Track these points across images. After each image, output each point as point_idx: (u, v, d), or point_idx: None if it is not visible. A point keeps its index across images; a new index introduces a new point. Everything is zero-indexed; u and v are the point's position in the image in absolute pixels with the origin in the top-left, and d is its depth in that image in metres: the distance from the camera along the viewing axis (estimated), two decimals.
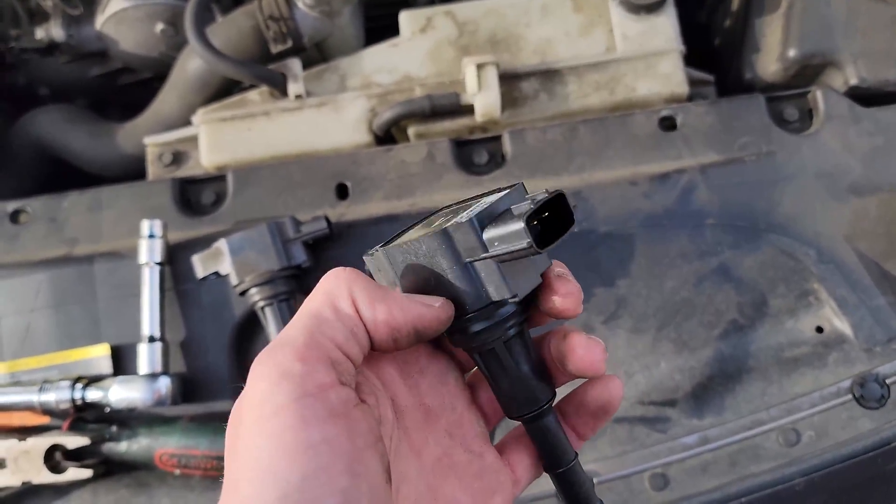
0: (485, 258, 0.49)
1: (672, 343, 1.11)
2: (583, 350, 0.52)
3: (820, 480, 1.03)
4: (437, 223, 0.53)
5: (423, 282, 0.51)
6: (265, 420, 0.41)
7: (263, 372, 0.42)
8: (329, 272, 0.49)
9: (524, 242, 0.47)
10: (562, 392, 0.57)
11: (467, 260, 0.50)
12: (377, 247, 0.54)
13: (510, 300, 0.50)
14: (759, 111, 1.18)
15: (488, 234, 0.49)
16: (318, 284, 0.49)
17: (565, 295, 0.51)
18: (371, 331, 0.47)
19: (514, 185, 0.53)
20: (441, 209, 0.58)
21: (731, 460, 1.05)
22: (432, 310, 0.49)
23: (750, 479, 1.03)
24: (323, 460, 0.40)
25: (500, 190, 0.54)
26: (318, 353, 0.43)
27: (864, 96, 1.20)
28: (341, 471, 0.40)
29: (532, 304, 0.53)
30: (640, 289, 1.13)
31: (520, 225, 0.47)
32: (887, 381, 1.06)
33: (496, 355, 0.53)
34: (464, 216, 0.50)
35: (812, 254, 1.12)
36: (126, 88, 1.60)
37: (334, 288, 0.47)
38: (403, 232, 0.55)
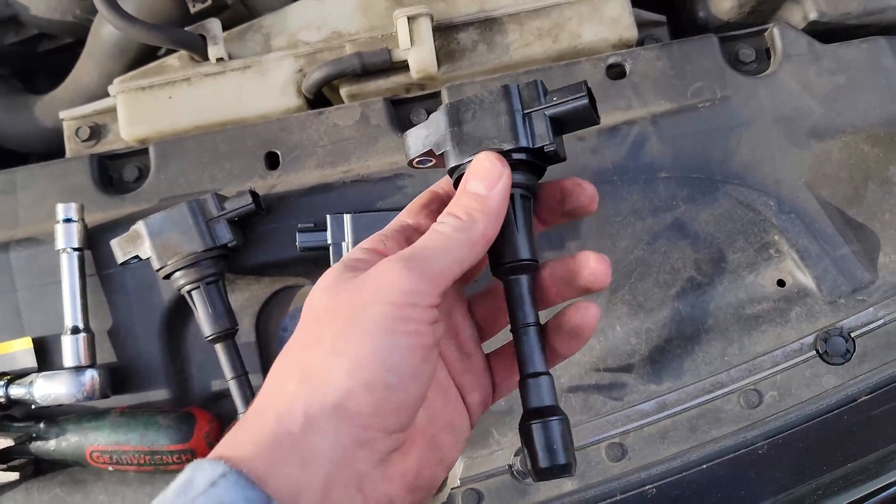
0: (541, 109, 0.62)
1: (627, 305, 1.06)
2: (595, 261, 0.64)
3: (783, 442, 0.99)
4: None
5: (478, 127, 0.63)
6: (387, 307, 0.53)
7: (400, 277, 0.54)
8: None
9: (584, 100, 0.61)
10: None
11: (527, 111, 0.62)
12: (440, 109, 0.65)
13: (546, 147, 0.62)
14: (713, 53, 1.10)
15: (550, 94, 0.63)
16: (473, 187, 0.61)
17: (592, 194, 0.66)
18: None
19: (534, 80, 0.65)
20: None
21: (691, 426, 1.00)
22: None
23: (711, 445, 0.99)
24: (412, 343, 0.53)
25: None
26: (441, 281, 0.56)
27: (825, 32, 1.13)
28: (419, 355, 0.54)
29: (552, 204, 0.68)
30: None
31: (581, 85, 0.62)
32: (852, 335, 1.01)
33: (514, 204, 0.63)
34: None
35: (772, 204, 1.06)
36: (52, 55, 1.50)
37: (488, 226, 0.60)
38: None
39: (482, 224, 0.58)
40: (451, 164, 0.64)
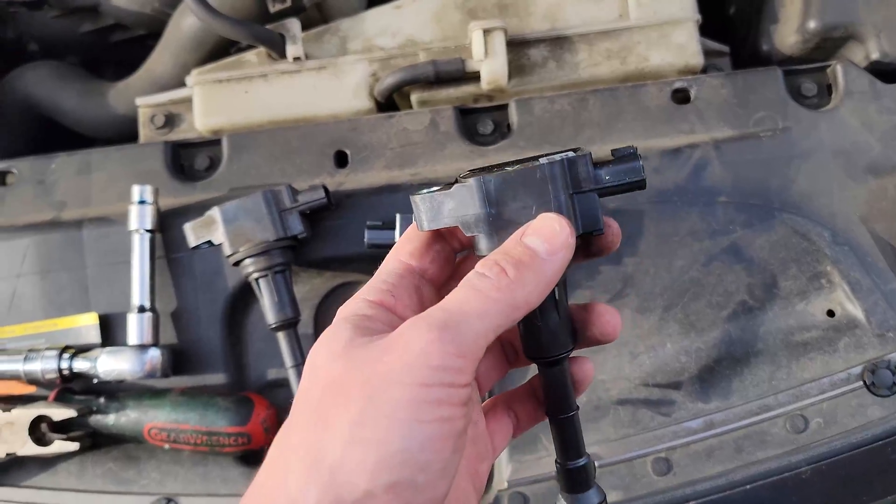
0: (593, 190, 0.54)
1: (679, 324, 1.08)
2: (609, 315, 0.58)
3: (827, 469, 1.00)
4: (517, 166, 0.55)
5: (520, 211, 0.53)
6: (415, 388, 0.46)
7: (431, 350, 0.47)
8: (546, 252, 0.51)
9: (640, 176, 0.54)
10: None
11: (574, 191, 0.53)
12: (467, 176, 0.54)
13: (595, 233, 0.55)
14: (776, 85, 1.13)
15: (599, 169, 0.54)
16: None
17: (616, 233, 0.58)
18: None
19: (579, 148, 0.57)
20: (491, 166, 0.59)
21: (737, 446, 1.02)
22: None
23: (755, 466, 1.01)
24: (444, 433, 0.46)
25: (556, 152, 0.57)
26: (477, 353, 0.48)
27: (886, 72, 1.15)
28: (450, 446, 0.47)
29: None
30: (648, 267, 1.09)
31: (637, 163, 0.54)
32: None
33: (554, 289, 0.54)
34: (573, 153, 0.54)
35: (826, 235, 1.08)
36: (120, 46, 1.54)
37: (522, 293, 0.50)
38: (448, 185, 0.55)
39: (530, 288, 0.50)
40: (484, 251, 0.54)
